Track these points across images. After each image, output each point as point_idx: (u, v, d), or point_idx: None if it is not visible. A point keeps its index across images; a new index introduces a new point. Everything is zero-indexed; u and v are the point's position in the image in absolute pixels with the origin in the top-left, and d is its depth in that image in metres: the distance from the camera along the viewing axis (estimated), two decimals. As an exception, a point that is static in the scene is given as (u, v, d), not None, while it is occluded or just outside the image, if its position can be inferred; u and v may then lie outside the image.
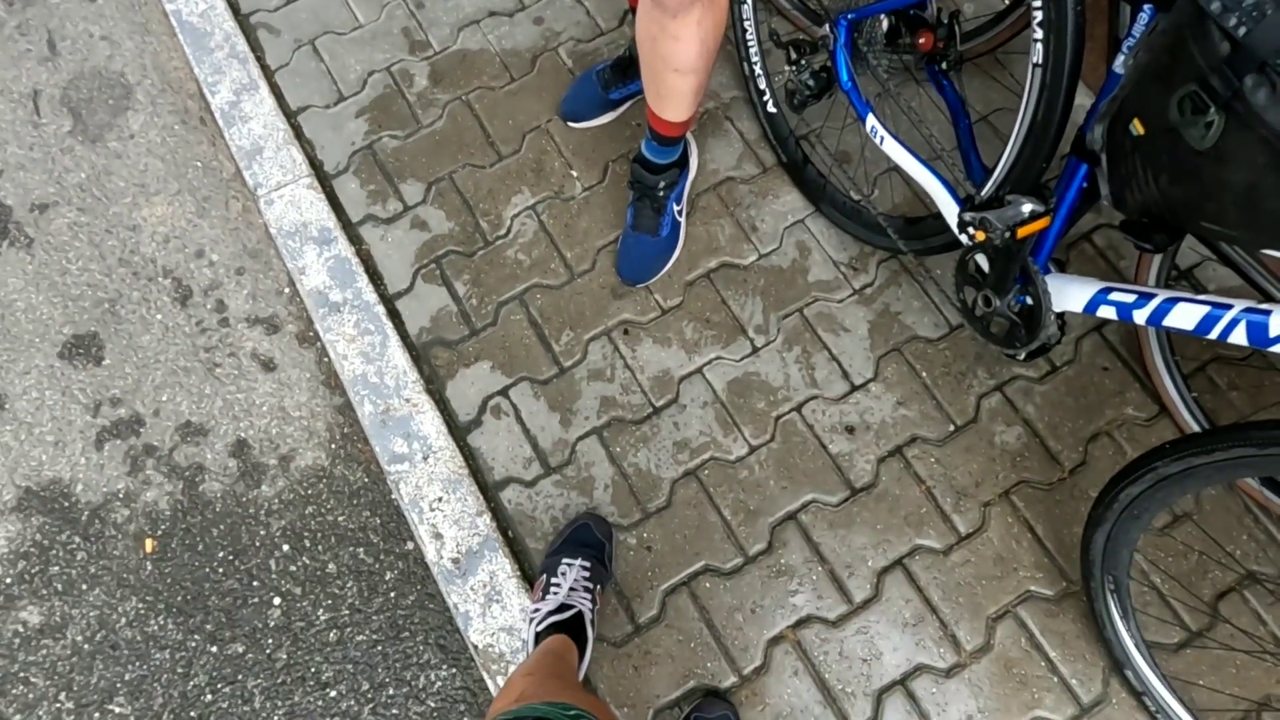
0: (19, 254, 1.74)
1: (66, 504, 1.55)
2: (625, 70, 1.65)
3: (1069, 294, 1.15)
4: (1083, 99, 1.06)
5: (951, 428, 1.49)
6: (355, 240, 1.67)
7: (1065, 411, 1.50)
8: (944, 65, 1.30)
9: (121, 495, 1.55)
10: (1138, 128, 0.94)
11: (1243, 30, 0.79)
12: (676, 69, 1.26)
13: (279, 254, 1.69)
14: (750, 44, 1.58)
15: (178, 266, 1.73)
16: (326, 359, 1.63)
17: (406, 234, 1.67)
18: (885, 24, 1.28)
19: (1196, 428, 1.43)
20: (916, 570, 1.41)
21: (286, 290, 1.69)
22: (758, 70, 1.59)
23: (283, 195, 1.70)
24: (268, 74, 1.82)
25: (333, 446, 1.58)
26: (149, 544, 1.52)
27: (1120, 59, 0.98)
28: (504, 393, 1.55)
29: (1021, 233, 1.08)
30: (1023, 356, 1.31)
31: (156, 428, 1.60)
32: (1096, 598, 1.25)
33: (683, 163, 1.53)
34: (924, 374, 1.53)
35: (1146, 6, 0.93)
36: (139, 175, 1.80)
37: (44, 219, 1.77)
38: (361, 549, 1.51)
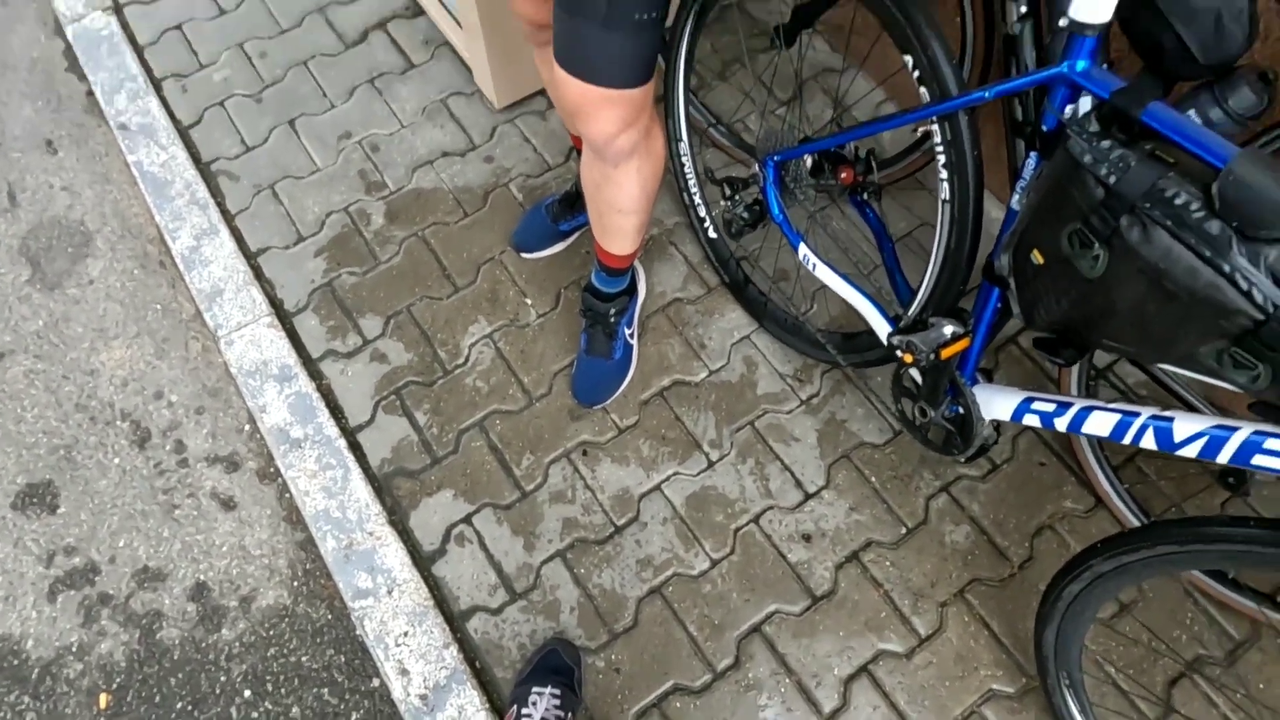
0: (-28, 404, 1.74)
1: (16, 661, 1.50)
2: (573, 203, 1.75)
3: (996, 404, 1.23)
4: (998, 212, 1.17)
5: (903, 530, 1.55)
6: (316, 376, 1.71)
7: (1009, 508, 1.56)
8: (865, 195, 1.42)
9: (75, 648, 1.51)
10: (1037, 258, 1.04)
11: (1113, 179, 0.90)
12: (620, 210, 1.35)
13: (239, 392, 1.71)
14: (689, 177, 1.69)
15: (136, 409, 1.74)
16: (288, 495, 1.64)
17: (366, 367, 1.71)
18: (809, 161, 1.40)
19: (1133, 518, 1.50)
20: (881, 675, 1.43)
21: (247, 428, 1.71)
22: (697, 200, 1.71)
23: (243, 335, 1.74)
24: (228, 218, 1.88)
25: (295, 584, 1.57)
26: (103, 699, 1.47)
27: (1016, 196, 1.09)
28: (467, 520, 1.57)
29: (945, 353, 1.17)
30: (964, 458, 1.38)
31: (112, 575, 1.58)
32: (1054, 694, 1.29)
33: (631, 289, 1.62)
34: (873, 479, 1.59)
35: (1032, 153, 1.05)
36: (98, 320, 1.83)
37: (-1, 368, 1.78)
38: (326, 689, 1.49)
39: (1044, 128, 1.01)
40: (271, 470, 1.67)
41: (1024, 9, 1.14)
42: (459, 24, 1.95)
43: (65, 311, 1.84)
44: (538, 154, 1.94)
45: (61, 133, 2.05)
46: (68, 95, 2.10)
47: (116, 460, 1.69)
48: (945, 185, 1.17)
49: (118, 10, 2.15)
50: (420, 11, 2.12)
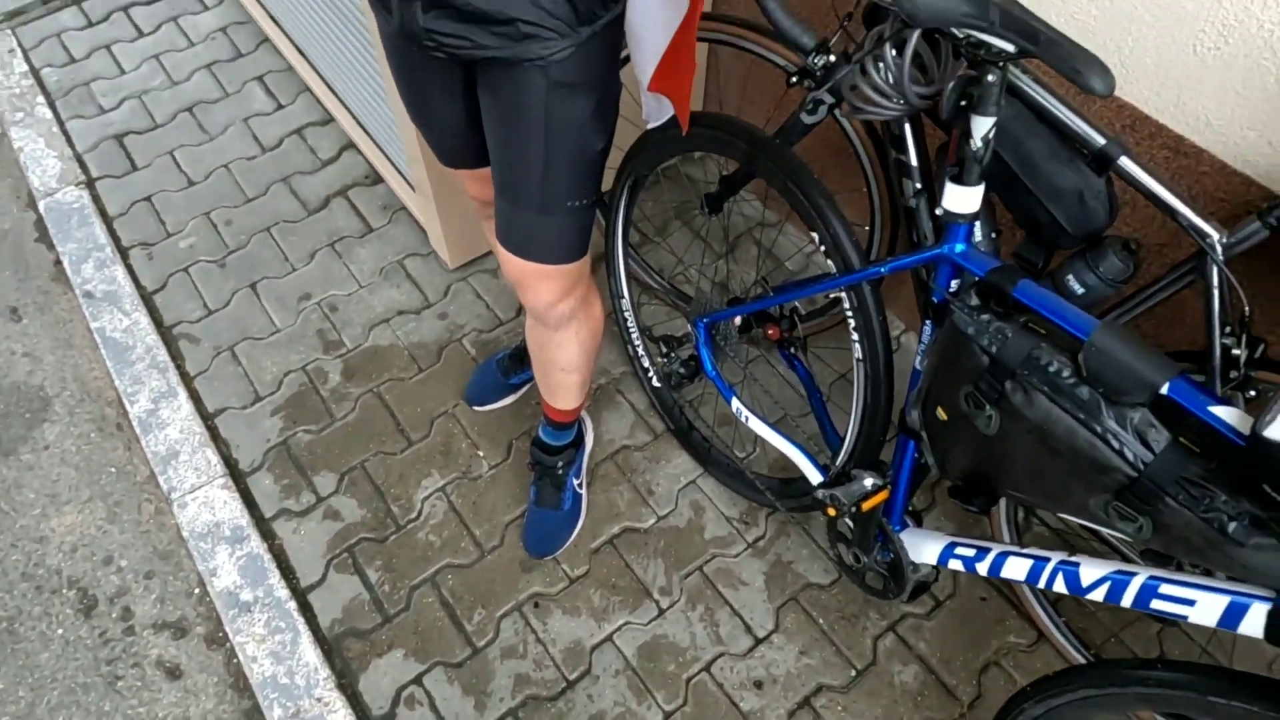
0: (-85, 578, 1.72)
1: None
2: (522, 358, 1.83)
3: (923, 549, 1.28)
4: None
5: (853, 672, 1.56)
6: (268, 536, 1.72)
7: (955, 645, 1.59)
8: (792, 349, 1.52)
9: (2, 841, 1.45)
10: (942, 414, 1.12)
11: (994, 348, 0.99)
12: (563, 369, 1.43)
13: (190, 555, 1.72)
14: (631, 330, 1.79)
15: (84, 575, 1.73)
16: (235, 660, 1.61)
17: (319, 525, 1.73)
18: (738, 320, 1.50)
19: (1074, 652, 1.53)
20: (839, 829, 1.41)
21: (196, 591, 1.70)
22: (640, 351, 1.80)
23: (196, 497, 1.75)
24: (187, 380, 1.93)
25: (239, 757, 1.53)
26: None
27: (918, 358, 1.19)
28: (418, 680, 1.55)
29: (866, 505, 1.23)
30: (902, 600, 1.42)
31: (48, 756, 1.53)
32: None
33: (578, 441, 1.68)
34: (821, 620, 1.62)
35: (928, 321, 1.15)
36: (50, 486, 1.84)
37: (-54, 538, 1.77)
38: None
39: (934, 299, 1.12)
40: (220, 635, 1.65)
41: (918, 185, 1.27)
42: (414, 190, 2.09)
43: (17, 478, 1.85)
44: (490, 310, 2.04)
45: (27, 300, 2.12)
46: (36, 264, 2.18)
47: (60, 631, 1.66)
48: (858, 346, 1.26)
49: (90, 184, 2.27)
50: (379, 179, 2.26)
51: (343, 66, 2.15)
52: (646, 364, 1.80)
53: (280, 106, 2.45)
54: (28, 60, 2.57)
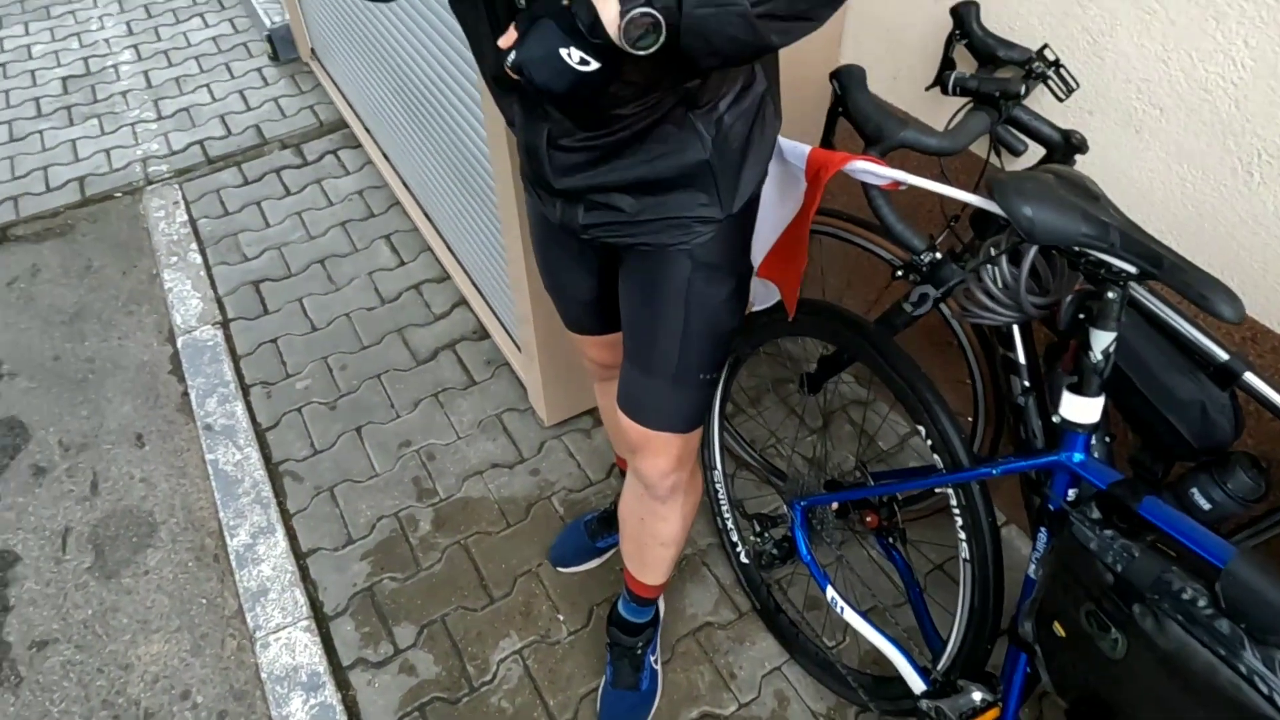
0: (3, 695, 1.75)
1: None
2: (610, 522, 1.83)
3: (1036, 776, 1.18)
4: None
5: None
6: (343, 685, 1.70)
7: None
8: (891, 539, 1.48)
9: None
10: (1059, 630, 1.06)
11: (1119, 566, 0.94)
12: (662, 543, 1.42)
13: (265, 699, 1.71)
14: (722, 502, 1.78)
15: (160, 709, 1.73)
16: (294, 819, 1.56)
17: (394, 679, 1.71)
18: (834, 505, 1.48)
19: None
20: None
21: (265, 738, 1.68)
22: (729, 525, 1.77)
23: (279, 638, 1.77)
24: (286, 517, 2.00)
25: None
26: None
27: (1032, 566, 1.14)
28: None
29: (975, 722, 1.15)
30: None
31: None
32: None
33: (657, 618, 1.64)
34: (914, 843, 1.47)
35: (1042, 528, 1.11)
36: (144, 612, 1.88)
37: (39, 657, 1.82)
38: None
39: (1050, 506, 1.08)
40: (282, 788, 1.61)
41: (1026, 383, 1.26)
42: (519, 348, 2.18)
43: (115, 602, 1.91)
44: (580, 470, 2.06)
45: (152, 429, 2.26)
46: (165, 395, 2.34)
47: (129, 766, 1.65)
48: (964, 546, 1.22)
49: (225, 325, 2.46)
50: (486, 335, 2.38)
51: (463, 232, 2.33)
52: (735, 538, 1.77)
53: (402, 263, 2.64)
54: (188, 211, 2.87)
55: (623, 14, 0.81)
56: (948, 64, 1.52)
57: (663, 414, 1.23)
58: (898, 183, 1.14)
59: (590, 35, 0.82)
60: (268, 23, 3.52)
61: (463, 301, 2.49)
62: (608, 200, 1.10)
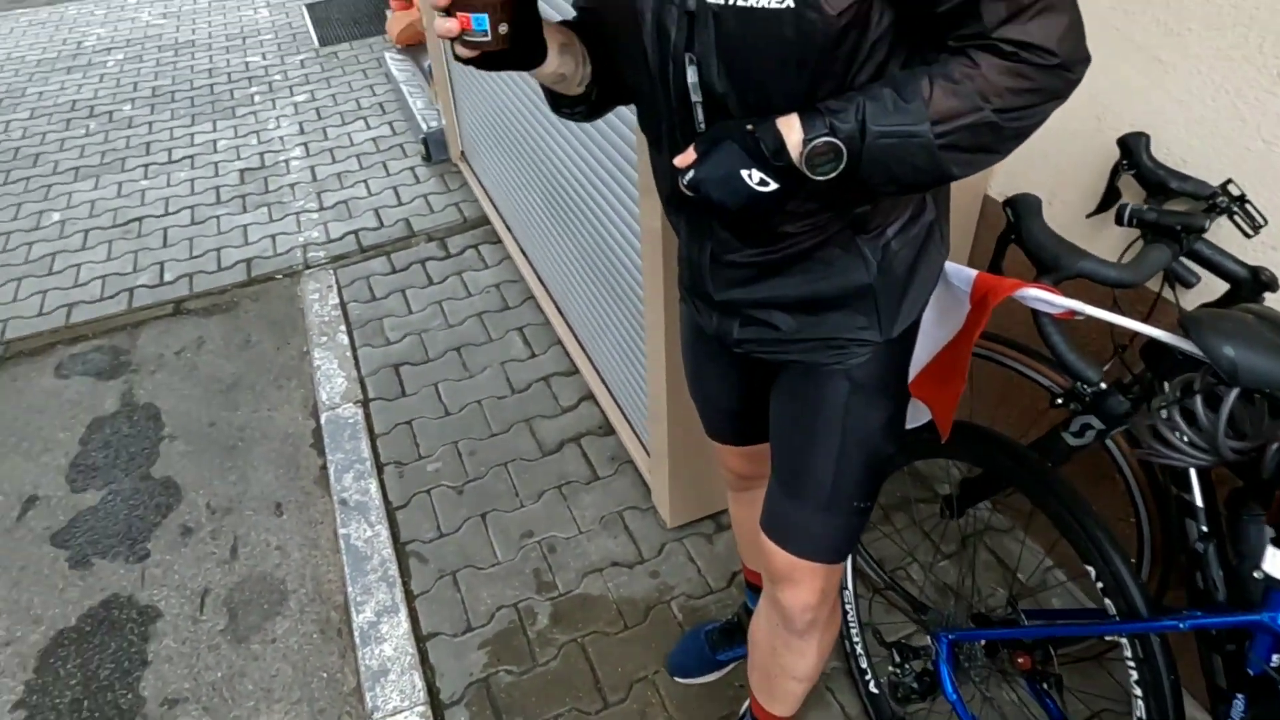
0: (135, 750, 1.81)
1: None
2: (732, 635, 1.78)
3: None
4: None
5: None
6: (454, 779, 1.69)
7: None
8: (1045, 685, 1.37)
9: None
10: (1261, 814, 0.95)
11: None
12: (794, 677, 1.36)
13: (377, 784, 1.70)
14: (852, 625, 1.70)
15: (276, 782, 1.75)
16: None
17: (505, 778, 1.68)
18: (984, 643, 1.40)
19: None
20: None
21: (374, 825, 1.67)
22: (859, 649, 1.69)
23: (396, 722, 1.77)
24: (409, 598, 2.03)
25: None
26: None
27: (1226, 734, 1.03)
28: None
29: None
30: None
31: None
32: None
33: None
34: None
35: (1239, 695, 1.01)
36: (268, 680, 1.93)
37: (169, 715, 1.88)
38: None
39: (1250, 671, 0.99)
40: None
41: (1204, 528, 1.18)
42: (646, 450, 2.20)
43: (243, 666, 1.96)
44: (701, 576, 2.03)
45: (290, 499, 2.36)
46: (305, 467, 2.45)
47: (242, 839, 1.66)
48: (1139, 703, 1.12)
49: (365, 404, 2.59)
50: (611, 431, 2.41)
51: (598, 330, 2.40)
52: (865, 664, 1.69)
53: (533, 355, 2.73)
54: (340, 295, 3.07)
55: (806, 141, 0.84)
56: (1113, 193, 1.51)
57: (811, 542, 1.19)
58: (1073, 312, 1.12)
59: (773, 159, 0.85)
60: (424, 127, 3.82)
61: (590, 396, 2.54)
62: (766, 316, 1.11)
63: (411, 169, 3.84)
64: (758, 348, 1.15)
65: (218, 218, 3.61)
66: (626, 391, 2.30)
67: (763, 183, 0.86)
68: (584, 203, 2.24)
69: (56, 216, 3.70)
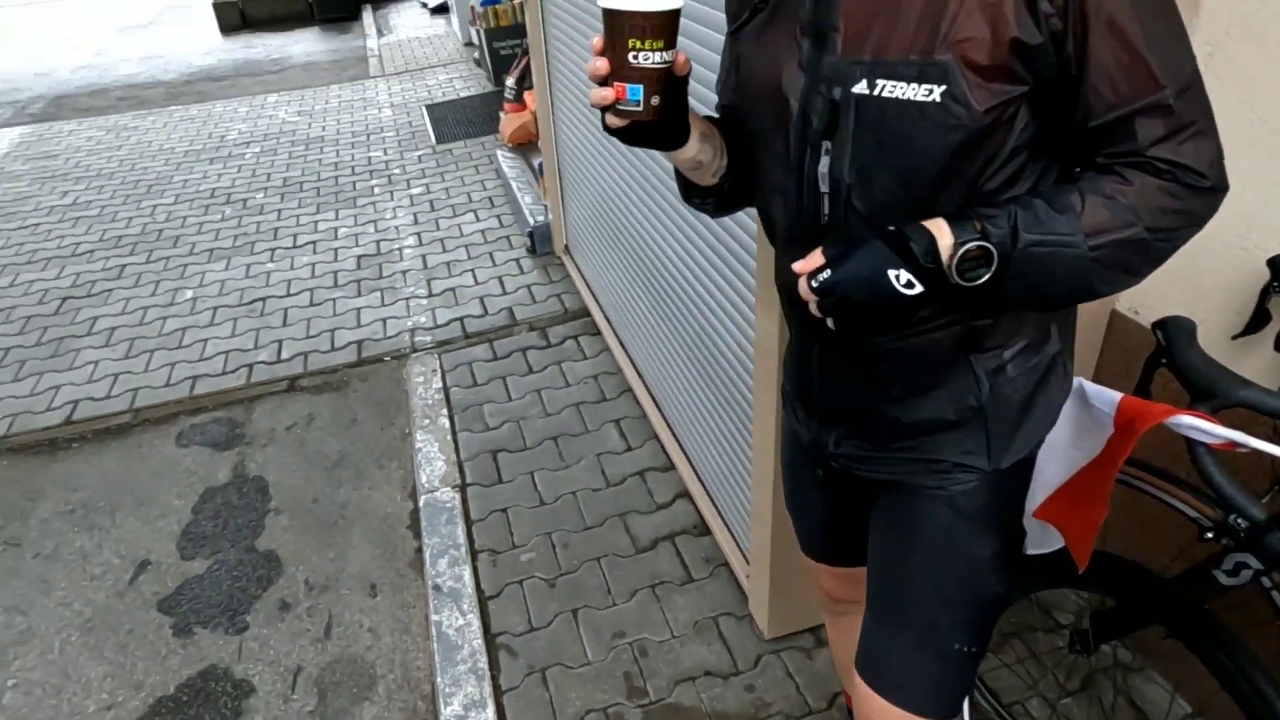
0: (219, 831, 1.80)
1: None
2: (835, 763, 1.67)
3: None
4: None
5: None
6: None
7: None
8: None
9: None
10: None
11: None
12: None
13: None
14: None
15: None
16: None
17: None
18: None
19: None
20: None
21: None
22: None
23: (479, 827, 1.71)
24: (498, 693, 1.99)
25: None
26: None
27: None
28: None
29: None
30: None
31: None
32: None
33: None
34: None
35: None
36: (353, 769, 1.91)
37: (255, 797, 1.86)
38: None
39: None
40: None
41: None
42: (744, 555, 2.14)
43: (330, 752, 1.95)
44: (800, 694, 1.92)
45: (385, 581, 2.38)
46: (401, 549, 2.48)
47: None
48: None
49: (463, 489, 2.62)
50: (707, 531, 2.36)
51: (698, 428, 2.38)
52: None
53: (629, 448, 2.73)
54: (443, 379, 3.16)
55: (957, 244, 0.83)
56: (1262, 315, 1.43)
57: (911, 688, 1.08)
58: (1234, 443, 1.05)
59: (923, 259, 0.83)
60: (531, 221, 3.98)
61: (685, 494, 2.51)
62: (865, 429, 1.08)
63: (517, 260, 3.99)
64: (853, 463, 1.12)
65: (334, 300, 3.81)
66: (725, 492, 2.26)
67: (909, 285, 0.84)
68: (691, 300, 2.26)
69: (189, 294, 3.97)
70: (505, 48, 6.21)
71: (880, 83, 0.84)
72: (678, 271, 2.33)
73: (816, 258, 0.89)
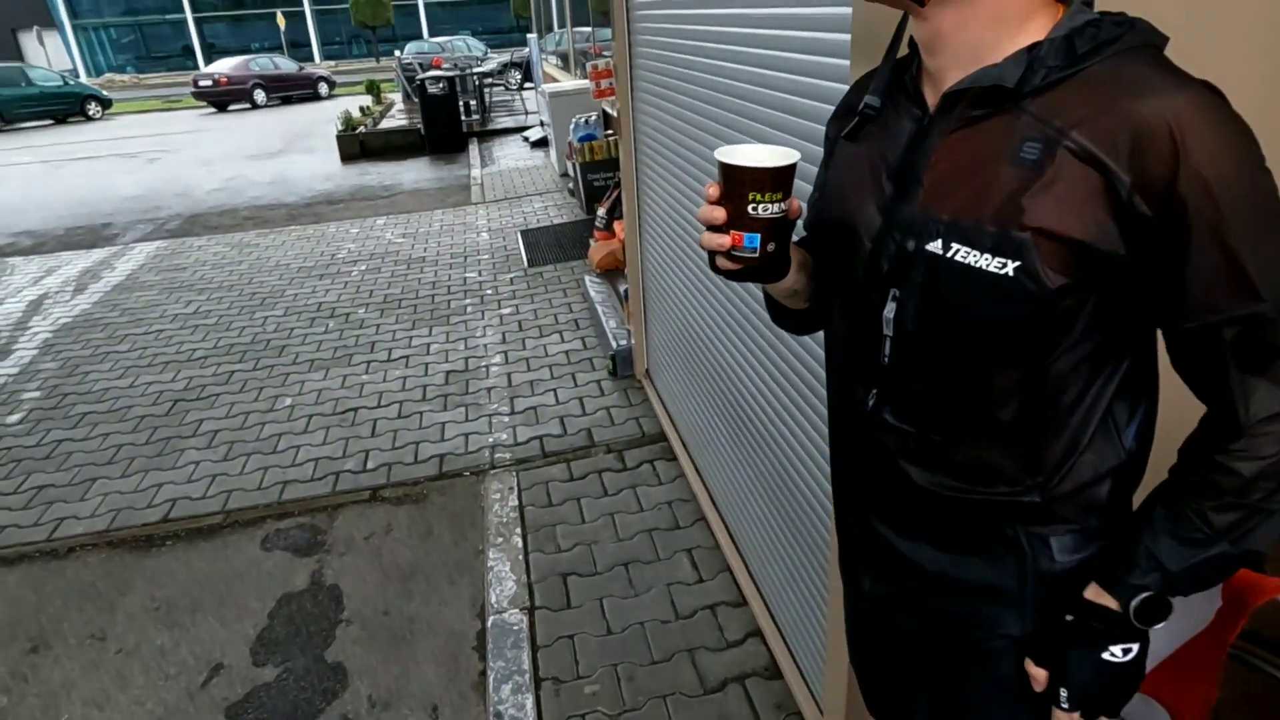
0: None
1: None
2: None
3: None
4: None
5: None
6: None
7: None
8: None
9: None
10: None
11: None
12: None
13: None
14: None
15: None
16: None
17: None
18: None
19: None
20: None
21: None
22: None
23: None
24: (552, 837, 1.90)
25: None
26: None
27: None
28: None
29: None
30: None
31: None
32: None
33: None
34: None
35: None
36: None
37: None
38: None
39: None
40: None
41: None
42: (818, 704, 2.02)
43: None
44: None
45: (447, 702, 2.34)
46: (465, 670, 2.45)
47: None
48: None
49: (531, 611, 2.59)
50: (779, 675, 2.26)
51: (771, 561, 2.32)
52: None
53: (700, 580, 2.67)
54: (519, 497, 3.19)
55: (1124, 605, 0.89)
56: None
57: None
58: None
59: (1138, 620, 0.89)
60: (614, 344, 4.08)
61: (757, 632, 2.42)
62: (901, 571, 1.06)
63: (598, 382, 4.07)
64: (889, 604, 1.09)
65: (421, 413, 3.94)
66: (799, 634, 2.17)
67: (1125, 650, 0.91)
68: (769, 433, 2.25)
69: (288, 401, 4.18)
70: (599, 179, 6.58)
71: (955, 246, 0.84)
72: (756, 403, 2.34)
73: (1040, 676, 0.95)
